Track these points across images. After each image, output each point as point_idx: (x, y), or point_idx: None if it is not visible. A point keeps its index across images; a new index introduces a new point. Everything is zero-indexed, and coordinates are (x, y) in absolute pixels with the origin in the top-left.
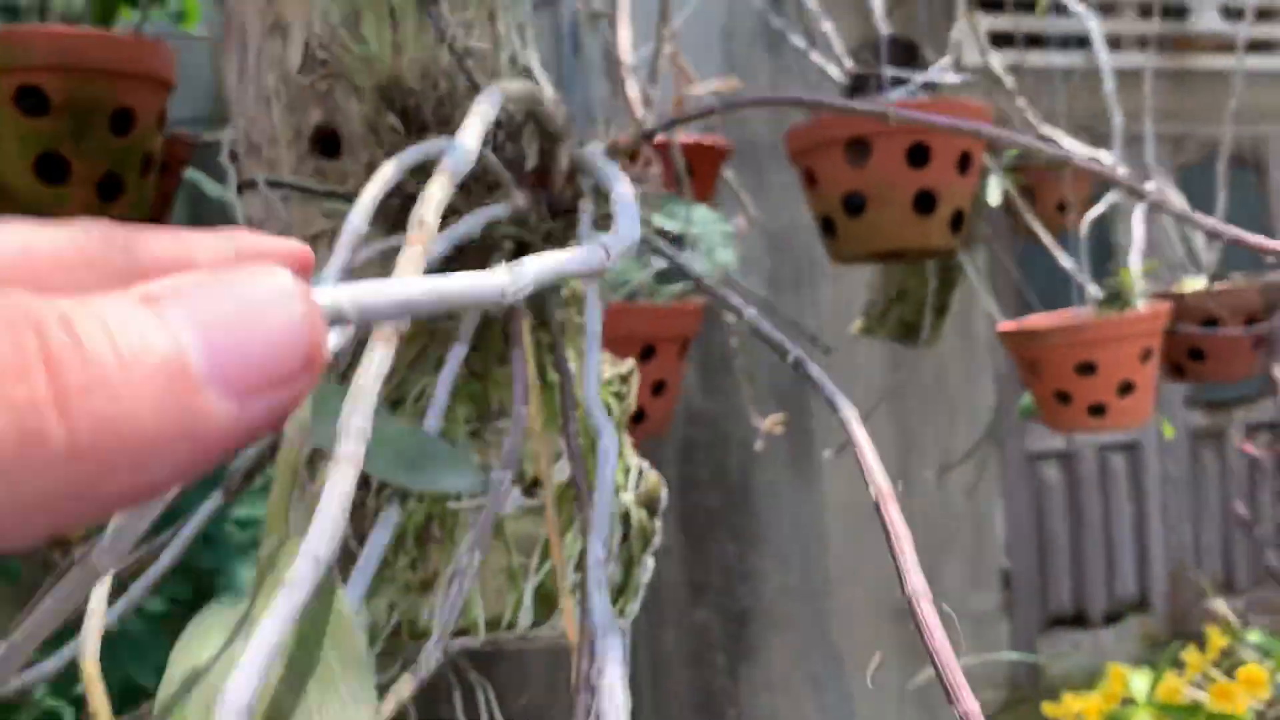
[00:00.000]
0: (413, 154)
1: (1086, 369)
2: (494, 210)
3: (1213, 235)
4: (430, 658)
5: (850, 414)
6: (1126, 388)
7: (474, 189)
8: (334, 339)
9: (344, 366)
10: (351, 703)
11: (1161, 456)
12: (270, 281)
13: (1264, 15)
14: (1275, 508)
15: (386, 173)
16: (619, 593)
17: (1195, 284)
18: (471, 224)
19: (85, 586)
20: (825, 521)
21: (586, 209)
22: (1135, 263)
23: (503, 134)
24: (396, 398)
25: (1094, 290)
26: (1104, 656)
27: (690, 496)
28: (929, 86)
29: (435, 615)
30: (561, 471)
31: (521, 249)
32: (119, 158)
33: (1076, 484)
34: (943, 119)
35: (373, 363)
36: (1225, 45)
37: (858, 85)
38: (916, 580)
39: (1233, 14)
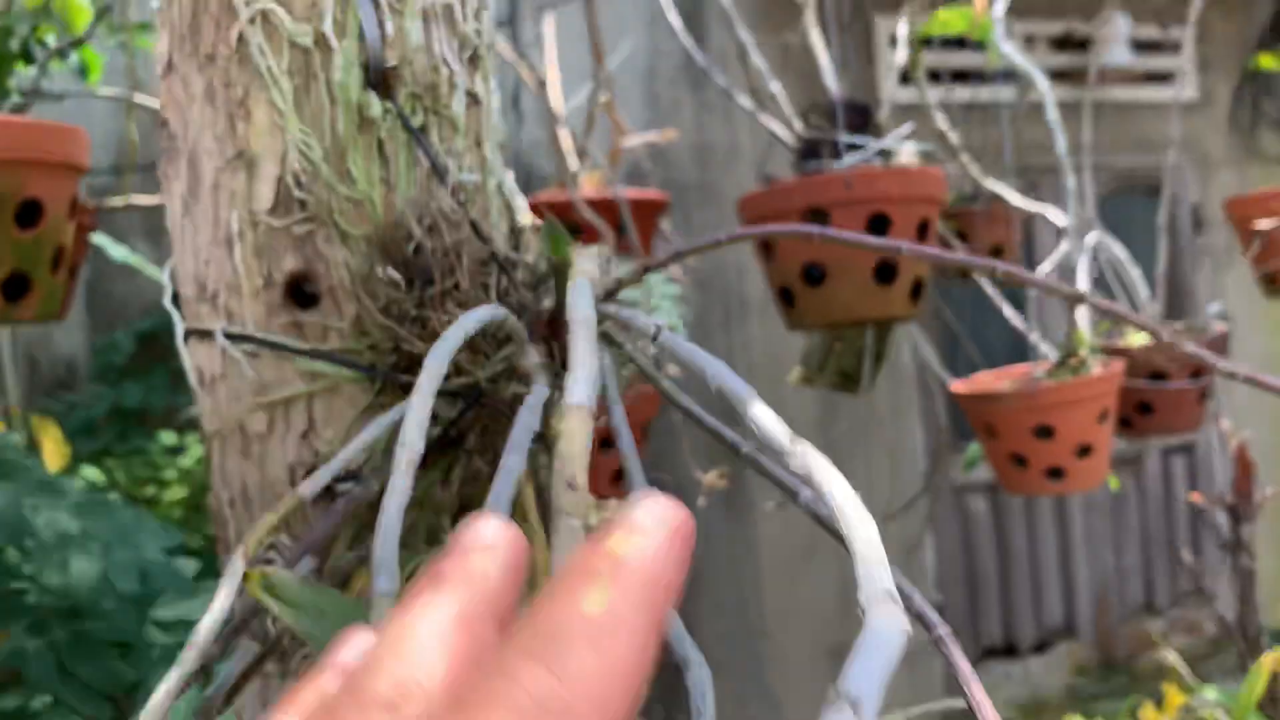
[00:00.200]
0: (456, 337)
1: (1044, 432)
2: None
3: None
4: None
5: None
6: (1084, 450)
7: (482, 345)
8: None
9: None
10: None
11: None
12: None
13: (1169, 49)
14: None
15: (438, 367)
16: None
17: (1139, 336)
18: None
19: None
20: (760, 566)
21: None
22: (1082, 319)
23: (511, 283)
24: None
25: (1042, 345)
26: (1035, 686)
27: None
28: (884, 153)
29: None
30: None
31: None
32: (25, 253)
33: (1003, 514)
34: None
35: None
36: (1134, 78)
37: (810, 149)
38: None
39: (1141, 47)
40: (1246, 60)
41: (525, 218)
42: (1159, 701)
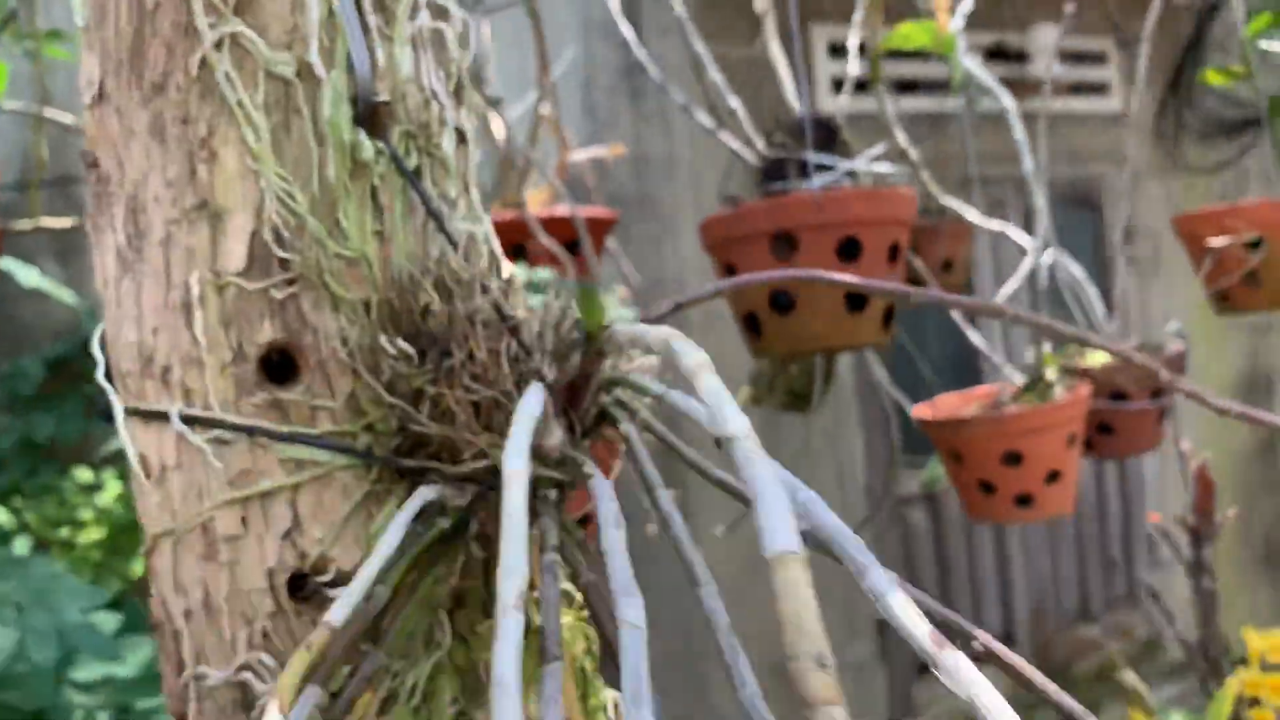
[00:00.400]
0: (527, 427)
1: (1013, 459)
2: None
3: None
4: None
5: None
6: (1053, 476)
7: (495, 419)
8: None
9: None
10: None
11: None
12: None
13: (1096, 60)
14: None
15: (521, 469)
16: None
17: (1098, 356)
18: None
19: None
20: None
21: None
22: (1040, 339)
23: (521, 348)
24: (387, 695)
25: (1006, 367)
26: None
27: None
28: (851, 173)
29: None
30: None
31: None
32: None
33: (941, 526)
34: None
35: None
36: (1063, 89)
37: (774, 170)
38: None
39: (1069, 58)
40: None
41: (507, 267)
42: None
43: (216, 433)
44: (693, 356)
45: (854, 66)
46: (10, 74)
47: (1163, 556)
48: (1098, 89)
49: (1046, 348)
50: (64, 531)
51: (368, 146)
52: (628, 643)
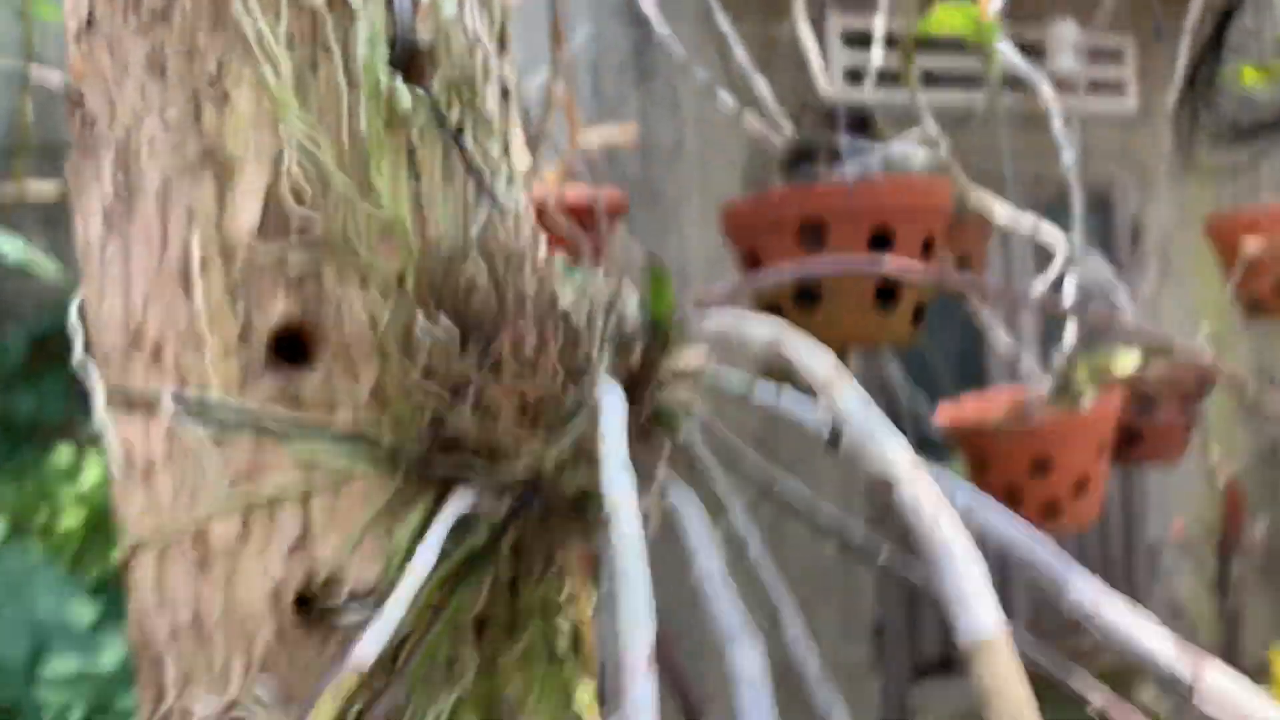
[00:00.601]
0: (618, 428)
1: (1041, 467)
2: None
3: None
4: None
5: None
6: (1081, 485)
7: (545, 412)
8: None
9: None
10: None
11: None
12: None
13: (1112, 58)
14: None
15: (628, 489)
16: None
17: (1128, 362)
18: None
19: None
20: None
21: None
22: (1069, 342)
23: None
24: None
25: (1030, 367)
26: (971, 703)
27: None
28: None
29: None
30: None
31: None
32: None
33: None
34: None
35: None
36: (1080, 87)
37: (803, 154)
38: None
39: (1086, 55)
40: (1187, 73)
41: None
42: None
43: (216, 424)
44: (821, 364)
45: (877, 55)
46: None
47: (1165, 565)
48: (1114, 87)
49: (1066, 345)
50: (43, 515)
51: (406, 95)
52: (749, 704)
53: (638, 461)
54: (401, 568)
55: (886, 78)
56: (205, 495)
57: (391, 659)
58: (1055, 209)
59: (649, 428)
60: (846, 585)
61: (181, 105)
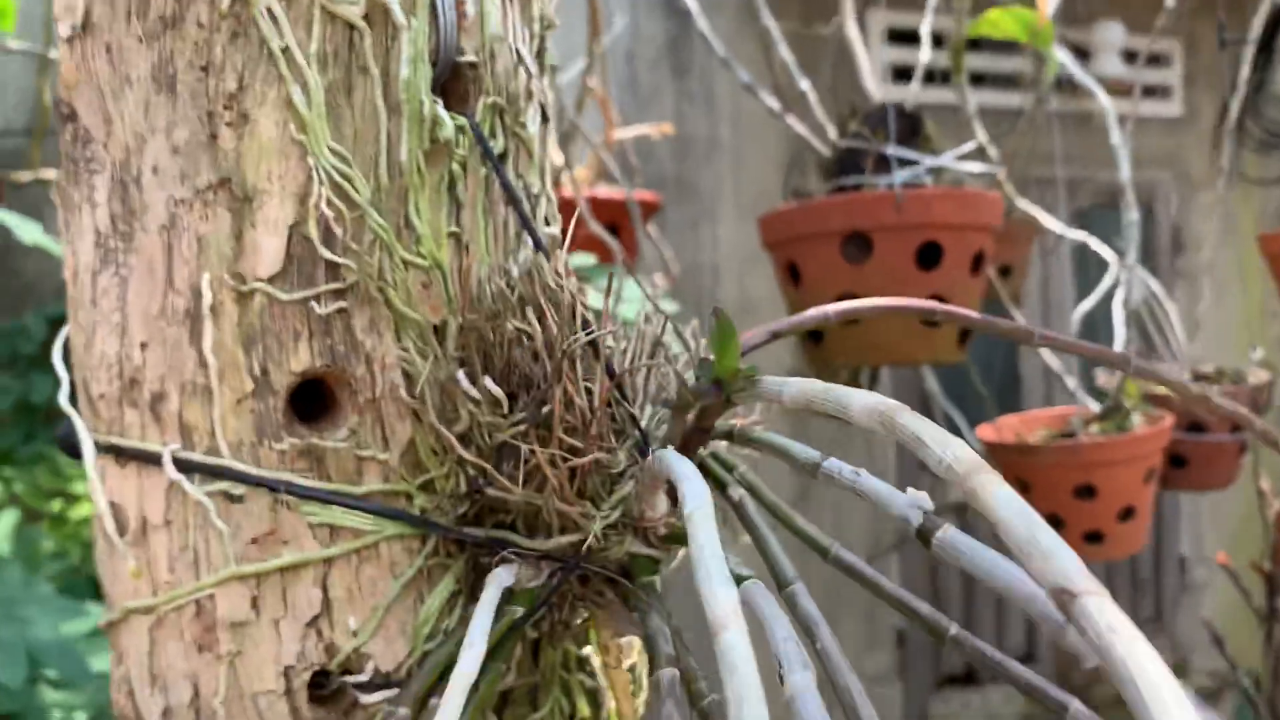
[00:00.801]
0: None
1: (1086, 492)
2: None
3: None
4: None
5: None
6: (1127, 513)
7: (589, 482)
8: None
9: None
10: None
11: None
12: None
13: (1155, 61)
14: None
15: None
16: None
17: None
18: None
19: None
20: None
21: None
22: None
23: (621, 394)
24: None
25: (1071, 383)
26: (992, 715)
27: None
28: (935, 171)
29: None
30: None
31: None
32: None
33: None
34: None
35: None
36: (1123, 90)
37: (849, 161)
38: None
39: (1132, 59)
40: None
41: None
42: None
43: (225, 485)
44: (958, 450)
45: (925, 54)
46: (21, 13)
47: (1192, 581)
48: (1159, 92)
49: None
50: (56, 505)
51: (448, 122)
52: None
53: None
54: (429, 641)
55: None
56: (209, 563)
57: None
58: (1093, 215)
59: None
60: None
61: (193, 126)
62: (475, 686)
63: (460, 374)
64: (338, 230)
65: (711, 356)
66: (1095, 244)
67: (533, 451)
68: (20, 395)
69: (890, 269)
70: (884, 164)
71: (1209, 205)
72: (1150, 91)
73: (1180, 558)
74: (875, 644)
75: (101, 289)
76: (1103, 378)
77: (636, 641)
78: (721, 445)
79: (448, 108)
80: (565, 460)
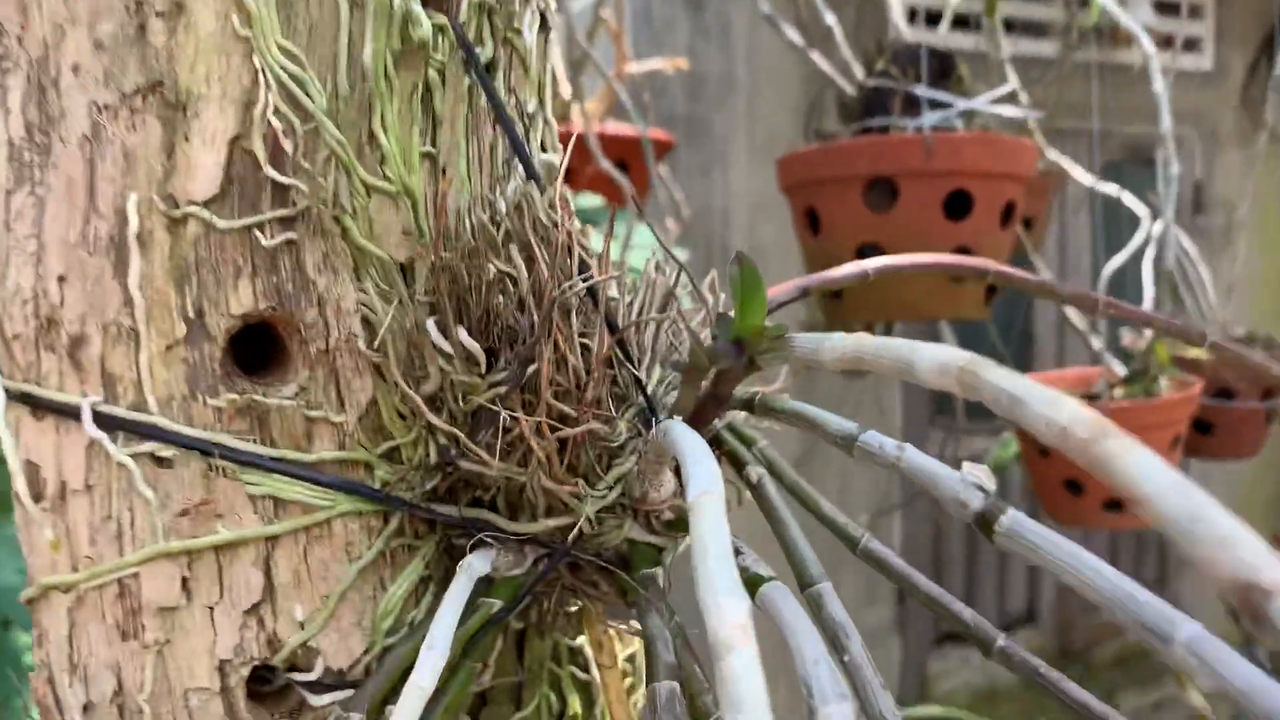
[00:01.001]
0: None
1: None
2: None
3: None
4: None
5: None
6: None
7: (581, 455)
8: None
9: None
10: None
11: None
12: None
13: (1193, 13)
14: None
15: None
16: None
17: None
18: None
19: None
20: None
21: None
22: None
23: (624, 354)
24: None
25: (1096, 345)
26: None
27: None
28: (966, 115)
29: None
30: None
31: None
32: None
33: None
34: None
35: None
36: (1156, 40)
37: (875, 101)
38: None
39: (1167, 9)
40: (1264, 33)
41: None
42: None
43: (152, 445)
44: (1083, 415)
45: None
46: None
47: None
48: (1189, 44)
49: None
50: None
51: (424, 21)
52: None
53: None
54: (392, 636)
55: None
56: (134, 536)
57: None
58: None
59: None
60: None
61: (120, 17)
62: (442, 692)
63: (430, 323)
64: (287, 145)
65: (732, 312)
66: (1128, 199)
67: (515, 419)
68: None
69: (916, 218)
70: (913, 105)
71: (1236, 163)
72: (1181, 43)
73: None
74: (875, 599)
75: (15, 211)
76: (1128, 338)
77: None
78: (740, 416)
79: (425, 3)
80: (554, 430)
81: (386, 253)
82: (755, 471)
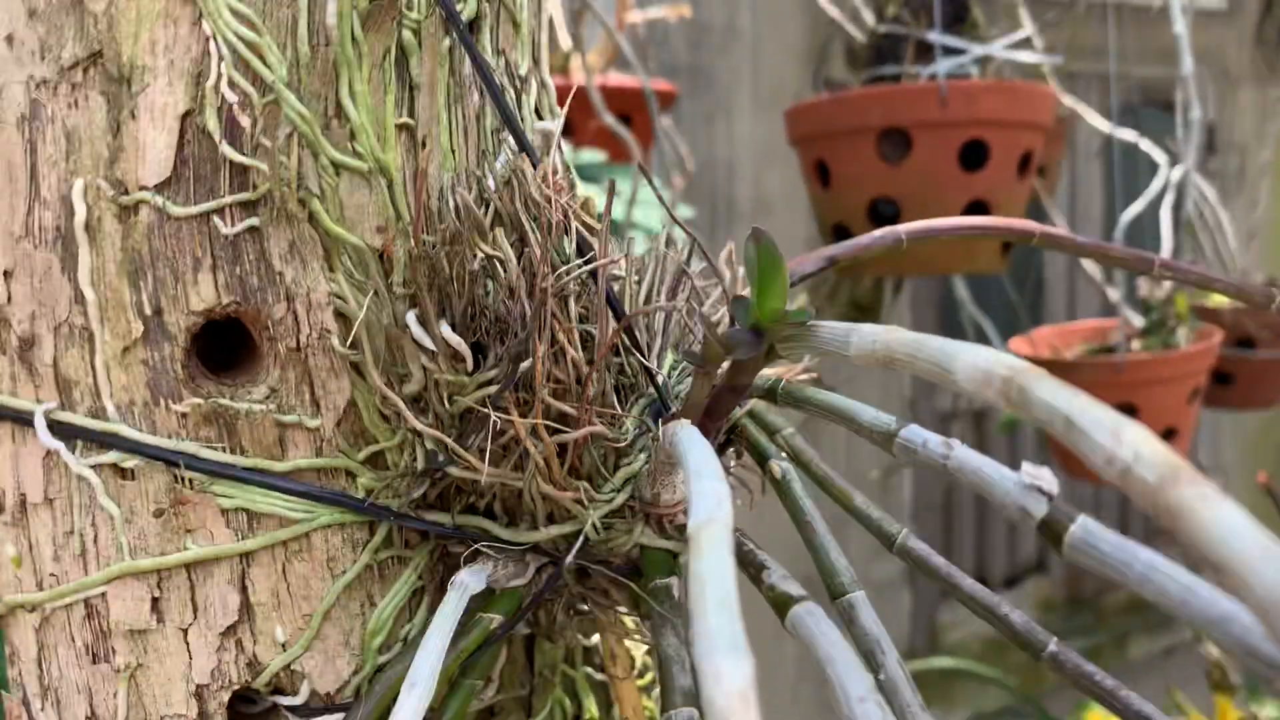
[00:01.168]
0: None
1: (1126, 412)
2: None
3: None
4: None
5: None
6: (1169, 434)
7: (584, 457)
8: None
9: None
10: None
11: None
12: None
13: None
14: None
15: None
16: None
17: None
18: None
19: None
20: None
21: None
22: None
23: (633, 343)
24: None
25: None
26: None
27: None
28: (982, 61)
29: None
30: None
31: None
32: None
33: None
34: None
35: None
36: None
37: (886, 48)
38: None
39: None
40: None
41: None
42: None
43: (113, 455)
44: (1150, 451)
45: None
46: None
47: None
48: None
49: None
50: None
51: None
52: None
53: None
54: (385, 654)
55: None
56: (99, 554)
57: None
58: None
59: (721, 459)
60: (882, 500)
61: None
62: (439, 711)
63: (411, 317)
64: (244, 121)
65: (749, 291)
66: (1146, 144)
67: (509, 421)
68: None
69: (930, 169)
70: (926, 52)
71: (1250, 104)
72: None
73: (1196, 465)
74: (884, 552)
75: None
76: (1145, 288)
77: None
78: (761, 406)
79: None
80: (553, 431)
81: (360, 238)
82: (780, 466)
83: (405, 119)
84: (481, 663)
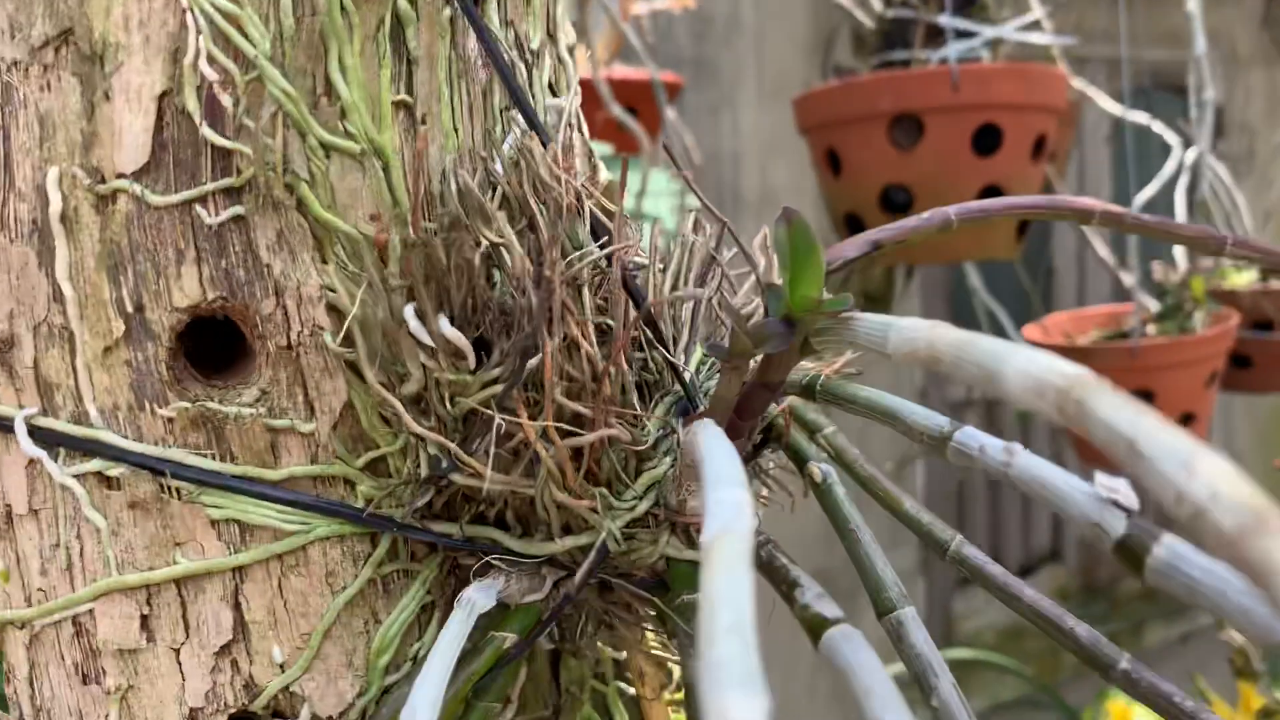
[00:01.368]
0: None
1: (1142, 398)
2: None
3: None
4: None
5: None
6: (1186, 419)
7: (602, 462)
8: None
9: None
10: None
11: None
12: None
13: None
14: None
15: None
16: None
17: (1243, 276)
18: None
19: None
20: None
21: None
22: (1178, 256)
23: (656, 335)
24: None
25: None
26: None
27: None
28: (993, 43)
29: None
30: None
31: None
32: None
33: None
34: None
35: None
36: None
37: (895, 33)
38: None
39: None
40: None
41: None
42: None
43: (98, 464)
44: (1229, 489)
45: None
46: None
47: None
48: None
49: (1180, 263)
50: None
51: None
52: None
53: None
54: (392, 674)
55: None
56: (86, 568)
57: None
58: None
59: (757, 461)
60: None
61: None
62: None
63: (408, 311)
64: (225, 101)
65: (780, 280)
66: (1158, 127)
67: (515, 423)
68: None
69: (943, 154)
70: (936, 36)
71: (1258, 85)
72: None
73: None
74: (899, 541)
75: None
76: (1159, 272)
77: None
78: (799, 403)
79: None
80: (565, 434)
81: (353, 226)
82: (820, 469)
83: (402, 96)
84: (497, 684)
